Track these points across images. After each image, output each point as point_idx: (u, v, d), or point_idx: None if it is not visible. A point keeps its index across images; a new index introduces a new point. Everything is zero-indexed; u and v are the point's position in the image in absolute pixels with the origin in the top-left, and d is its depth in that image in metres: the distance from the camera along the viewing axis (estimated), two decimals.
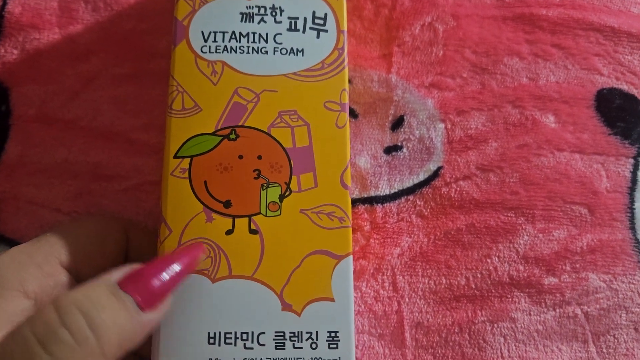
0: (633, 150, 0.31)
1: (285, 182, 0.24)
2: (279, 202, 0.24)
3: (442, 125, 0.31)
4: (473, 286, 0.30)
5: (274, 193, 0.24)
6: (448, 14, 0.32)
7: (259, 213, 0.23)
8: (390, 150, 0.31)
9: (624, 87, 0.32)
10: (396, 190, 0.31)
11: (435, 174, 0.31)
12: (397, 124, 0.31)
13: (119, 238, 0.26)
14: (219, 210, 0.23)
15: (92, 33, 0.32)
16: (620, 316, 0.30)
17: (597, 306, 0.30)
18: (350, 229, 0.24)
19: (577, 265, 0.30)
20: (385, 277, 0.30)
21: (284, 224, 0.24)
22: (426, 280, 0.30)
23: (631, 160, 0.31)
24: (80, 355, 0.17)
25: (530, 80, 0.32)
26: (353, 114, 0.31)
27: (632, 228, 0.31)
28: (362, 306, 0.30)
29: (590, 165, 0.31)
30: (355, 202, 0.31)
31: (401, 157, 0.31)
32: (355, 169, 0.31)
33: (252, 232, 0.23)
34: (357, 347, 0.29)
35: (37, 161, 0.30)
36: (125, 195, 0.30)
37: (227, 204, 0.23)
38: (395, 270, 0.30)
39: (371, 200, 0.31)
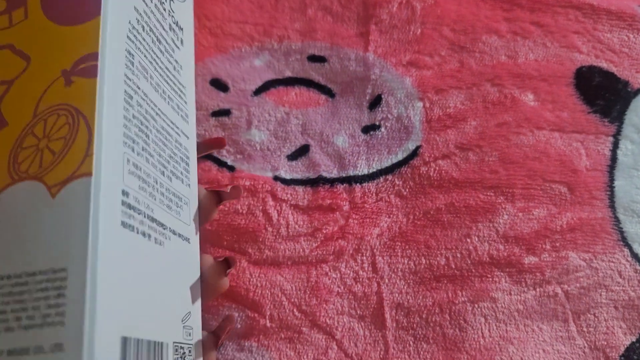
0: (612, 129, 0.31)
1: None
2: None
3: (420, 104, 0.31)
4: (453, 266, 0.29)
5: None
6: None
7: None
8: (368, 129, 0.31)
9: (603, 64, 0.32)
10: (375, 170, 0.30)
11: (414, 153, 0.30)
12: (375, 103, 0.31)
13: None
14: None
15: None
16: (601, 295, 0.30)
17: (577, 285, 0.29)
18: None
19: (557, 244, 0.30)
20: (364, 257, 0.29)
21: None
22: (406, 261, 0.29)
23: (611, 139, 0.31)
24: None
25: (509, 58, 0.31)
26: (330, 93, 0.31)
27: (612, 206, 0.30)
28: (342, 287, 0.29)
29: (570, 144, 0.31)
30: (333, 181, 0.30)
31: (379, 136, 0.30)
32: (334, 148, 0.30)
33: None
34: (337, 329, 0.29)
35: None
36: None
37: None
38: (375, 250, 0.30)
39: (350, 180, 0.30)
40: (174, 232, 0.23)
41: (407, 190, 0.30)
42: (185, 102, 0.27)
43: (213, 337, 0.26)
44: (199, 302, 0.25)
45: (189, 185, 0.26)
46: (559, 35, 0.32)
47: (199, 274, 0.25)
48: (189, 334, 0.23)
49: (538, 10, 0.32)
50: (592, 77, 0.32)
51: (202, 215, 0.26)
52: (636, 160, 0.31)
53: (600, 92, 0.31)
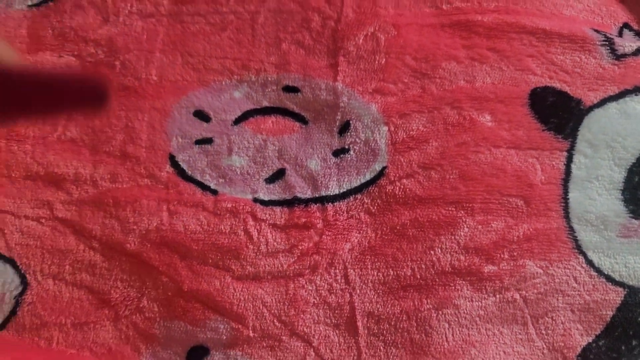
0: (566, 144, 0.34)
1: None
2: None
3: (385, 128, 0.33)
4: (418, 276, 0.32)
5: None
6: (389, 24, 0.35)
7: None
8: (338, 153, 0.33)
9: (557, 84, 0.34)
10: (345, 190, 0.33)
11: (381, 173, 0.33)
12: (344, 128, 0.33)
13: None
14: None
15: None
16: (557, 299, 0.32)
17: (535, 291, 0.32)
18: None
19: (515, 254, 0.32)
20: (337, 270, 0.32)
21: None
22: (375, 273, 0.32)
23: (565, 154, 0.34)
24: None
25: (468, 82, 0.34)
26: (303, 120, 0.34)
27: (567, 217, 0.33)
28: (317, 298, 0.32)
29: (526, 160, 0.33)
30: (308, 201, 0.33)
31: (349, 159, 0.33)
32: (307, 171, 0.33)
33: None
34: (314, 337, 0.32)
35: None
36: None
37: None
38: (347, 264, 0.32)
39: (322, 200, 0.33)
40: None
41: (375, 207, 0.33)
42: None
43: None
44: None
45: None
46: (514, 59, 0.34)
47: None
48: None
49: (494, 37, 0.35)
50: (546, 97, 0.34)
51: None
52: (589, 173, 0.33)
53: (554, 111, 0.34)
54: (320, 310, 0.32)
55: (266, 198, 0.33)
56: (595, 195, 0.33)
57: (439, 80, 0.34)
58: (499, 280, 0.32)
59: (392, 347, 0.31)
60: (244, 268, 0.32)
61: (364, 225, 0.33)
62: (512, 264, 0.32)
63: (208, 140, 0.34)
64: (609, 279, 0.32)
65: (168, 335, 0.32)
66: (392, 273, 0.32)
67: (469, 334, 0.31)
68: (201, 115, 0.34)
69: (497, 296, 0.32)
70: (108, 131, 0.33)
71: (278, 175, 0.33)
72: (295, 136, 0.34)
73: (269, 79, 0.34)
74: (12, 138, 0.33)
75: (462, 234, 0.32)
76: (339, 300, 0.32)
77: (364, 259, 0.32)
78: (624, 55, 0.35)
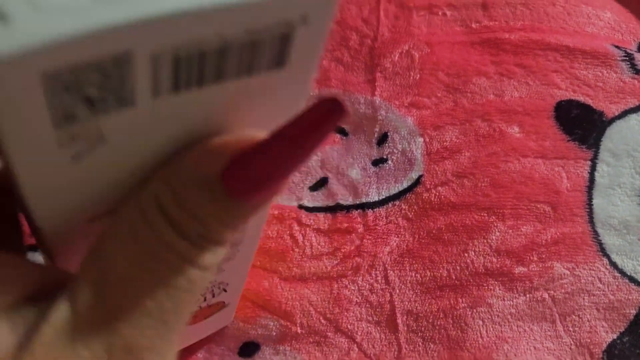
0: (590, 154, 0.36)
1: None
2: None
3: (421, 140, 0.36)
4: (454, 277, 0.34)
5: None
6: (423, 42, 0.37)
7: None
8: (377, 162, 0.36)
9: (580, 98, 0.37)
10: (384, 197, 0.36)
11: (417, 181, 0.36)
12: (382, 139, 0.36)
13: None
14: None
15: None
16: (583, 298, 0.34)
17: (562, 291, 0.34)
18: None
19: (543, 256, 0.34)
20: (378, 272, 0.35)
21: None
22: (413, 274, 0.35)
23: (589, 163, 0.36)
24: None
25: (497, 96, 0.36)
26: (344, 132, 0.36)
27: (591, 222, 0.35)
28: (360, 297, 0.34)
29: (552, 169, 0.36)
30: (349, 207, 0.35)
31: (387, 168, 0.36)
32: (349, 180, 0.36)
33: None
34: (357, 333, 0.34)
35: None
36: None
37: None
38: (387, 265, 0.35)
39: (363, 206, 0.35)
40: None
41: (412, 213, 0.35)
42: None
43: None
44: None
45: None
46: (540, 74, 0.37)
47: None
48: None
49: (521, 54, 0.37)
50: (570, 110, 0.36)
51: None
52: (612, 180, 0.36)
53: (578, 122, 0.36)
54: (363, 309, 0.34)
55: (310, 205, 0.36)
56: (618, 201, 0.35)
57: (470, 94, 0.36)
58: (529, 281, 0.34)
59: (430, 343, 0.34)
60: (290, 270, 0.35)
61: (402, 230, 0.35)
62: (540, 266, 0.34)
63: None
64: (632, 279, 0.35)
65: (221, 332, 0.34)
66: (429, 274, 0.34)
67: (501, 330, 0.34)
68: None
69: (527, 295, 0.34)
70: None
71: (321, 184, 0.36)
72: (336, 147, 0.36)
73: (311, 93, 0.37)
74: None
75: (493, 237, 0.35)
76: (380, 300, 0.34)
77: (403, 261, 0.35)
78: None
